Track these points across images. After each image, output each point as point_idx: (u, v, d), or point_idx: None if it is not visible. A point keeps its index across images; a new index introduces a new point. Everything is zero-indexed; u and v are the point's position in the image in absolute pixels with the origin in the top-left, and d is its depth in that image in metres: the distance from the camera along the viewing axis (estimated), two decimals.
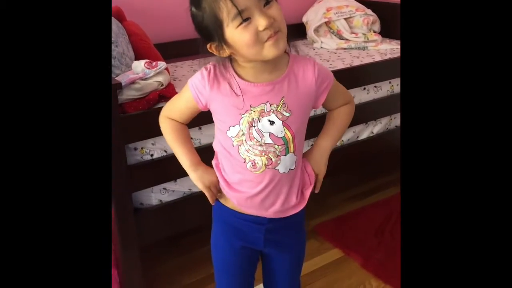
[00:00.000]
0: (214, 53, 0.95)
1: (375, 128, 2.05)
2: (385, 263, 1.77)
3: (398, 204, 2.10)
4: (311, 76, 1.00)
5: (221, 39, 0.91)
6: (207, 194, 1.07)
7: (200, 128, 1.56)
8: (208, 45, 0.94)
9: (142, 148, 1.49)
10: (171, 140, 1.08)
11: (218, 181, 1.06)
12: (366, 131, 2.03)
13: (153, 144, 1.49)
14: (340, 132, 1.13)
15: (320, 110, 1.71)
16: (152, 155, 1.50)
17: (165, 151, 1.52)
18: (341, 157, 1.94)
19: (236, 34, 0.89)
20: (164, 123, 1.08)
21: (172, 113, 1.07)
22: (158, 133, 1.11)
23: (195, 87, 0.99)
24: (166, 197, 1.56)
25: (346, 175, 2.37)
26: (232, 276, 1.16)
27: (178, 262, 1.85)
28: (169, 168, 1.48)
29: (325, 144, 1.11)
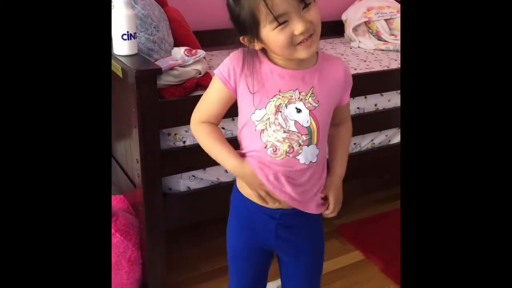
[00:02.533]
0: (246, 45, 0.97)
1: None
2: None
3: None
4: (341, 73, 1.03)
5: (256, 36, 0.94)
6: (259, 192, 1.02)
7: (233, 119, 1.57)
8: (241, 37, 0.96)
9: (175, 134, 1.50)
10: (209, 144, 1.03)
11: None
12: (398, 136, 2.00)
13: (186, 131, 1.51)
14: (347, 155, 1.13)
15: None
16: (184, 142, 1.52)
17: None
18: (371, 159, 1.92)
19: (271, 35, 0.91)
20: (198, 129, 1.04)
21: (202, 113, 1.04)
22: None
23: (225, 70, 0.99)
24: (194, 184, 1.58)
25: (374, 177, 2.35)
26: (242, 272, 1.16)
27: (200, 249, 1.87)
28: (200, 156, 1.46)
29: (340, 171, 1.11)
